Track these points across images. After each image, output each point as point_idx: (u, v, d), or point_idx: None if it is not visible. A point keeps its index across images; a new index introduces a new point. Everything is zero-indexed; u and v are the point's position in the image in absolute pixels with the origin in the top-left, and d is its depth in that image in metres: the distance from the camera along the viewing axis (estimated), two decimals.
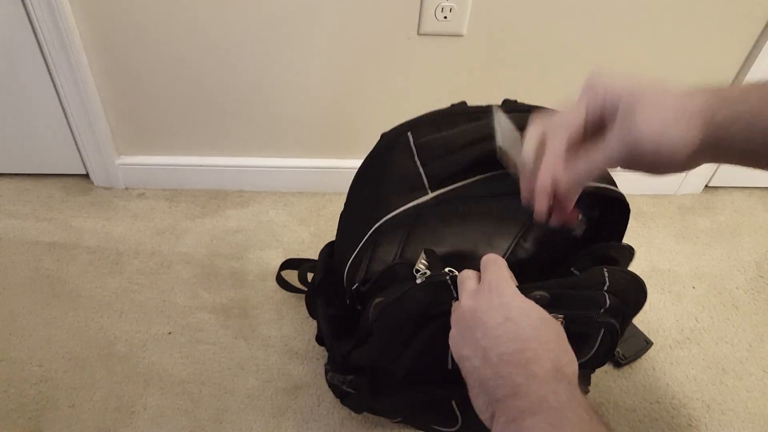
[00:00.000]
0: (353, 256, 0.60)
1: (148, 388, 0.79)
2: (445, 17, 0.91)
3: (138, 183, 1.14)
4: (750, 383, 0.85)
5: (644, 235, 1.10)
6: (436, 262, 0.55)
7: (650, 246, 1.07)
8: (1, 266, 0.95)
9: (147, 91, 1.00)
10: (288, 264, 0.96)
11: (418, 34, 0.94)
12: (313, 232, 1.06)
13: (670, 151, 0.40)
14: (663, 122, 0.39)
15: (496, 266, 0.48)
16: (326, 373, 0.72)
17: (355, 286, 0.62)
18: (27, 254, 0.98)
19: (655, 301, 0.97)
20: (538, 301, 0.47)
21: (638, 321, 0.92)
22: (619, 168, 0.44)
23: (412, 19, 0.92)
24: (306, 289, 0.91)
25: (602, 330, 0.56)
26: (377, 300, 0.58)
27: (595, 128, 0.44)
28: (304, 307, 0.84)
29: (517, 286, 0.47)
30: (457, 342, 0.46)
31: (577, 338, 0.46)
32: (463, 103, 0.62)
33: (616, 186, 0.60)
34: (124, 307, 0.90)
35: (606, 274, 0.55)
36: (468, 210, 0.62)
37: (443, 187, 0.56)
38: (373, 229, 0.57)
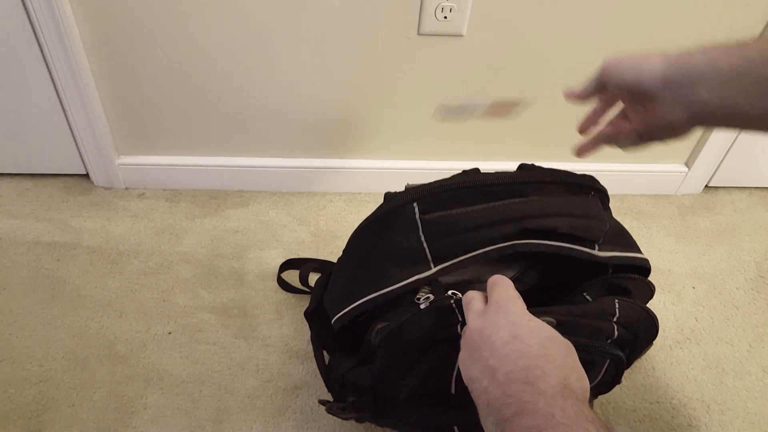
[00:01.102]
0: (341, 313, 0.59)
1: (148, 388, 0.79)
2: (445, 17, 0.91)
3: (138, 183, 1.14)
4: (750, 383, 0.85)
5: (644, 235, 1.10)
6: (438, 286, 0.54)
7: (650, 246, 1.07)
8: (1, 266, 0.95)
9: (147, 91, 1.00)
10: (288, 264, 0.96)
11: (418, 34, 0.94)
12: (313, 232, 1.06)
13: (637, 71, 0.52)
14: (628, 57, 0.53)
15: (502, 286, 0.47)
16: (326, 408, 0.69)
17: (338, 326, 0.62)
18: (27, 254, 0.98)
19: (655, 301, 0.96)
20: None
21: None
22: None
23: (412, 19, 0.92)
24: (306, 290, 0.92)
25: (608, 360, 0.55)
26: (379, 326, 0.57)
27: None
28: (304, 307, 0.84)
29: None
30: (466, 364, 0.45)
31: (581, 365, 0.45)
32: (476, 171, 0.60)
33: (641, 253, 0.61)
34: (124, 307, 0.90)
35: (617, 305, 0.54)
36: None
37: (447, 261, 0.54)
38: (366, 299, 0.56)
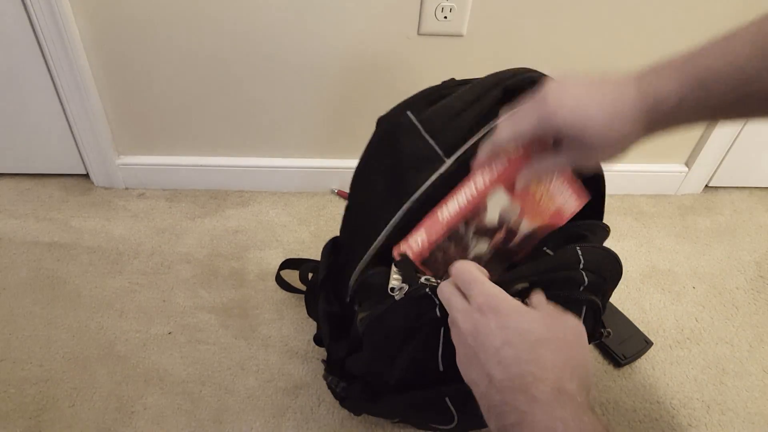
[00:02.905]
0: (378, 245, 0.58)
1: (148, 388, 0.79)
2: (445, 17, 0.91)
3: (138, 183, 1.14)
4: (750, 383, 0.85)
5: (644, 235, 1.10)
6: (410, 272, 0.54)
7: (650, 246, 1.07)
8: (1, 266, 0.95)
9: (147, 91, 1.00)
10: (288, 264, 0.96)
11: (418, 34, 0.94)
12: (313, 232, 1.06)
13: (585, 118, 0.43)
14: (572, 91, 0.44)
15: (476, 282, 0.46)
16: (325, 375, 0.72)
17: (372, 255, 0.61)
18: (27, 254, 0.98)
19: (655, 301, 0.97)
20: (520, 294, 0.46)
21: (638, 321, 0.92)
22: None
23: (412, 19, 0.92)
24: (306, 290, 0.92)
25: (584, 308, 0.56)
26: (361, 315, 0.58)
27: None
28: (304, 307, 0.84)
29: (497, 281, 0.46)
30: (464, 365, 0.45)
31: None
32: (452, 80, 0.63)
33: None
34: (124, 307, 0.90)
35: (579, 252, 0.54)
36: None
37: (458, 149, 0.56)
38: (404, 210, 0.56)
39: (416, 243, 0.55)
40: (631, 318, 0.92)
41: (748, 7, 0.95)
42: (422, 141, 0.57)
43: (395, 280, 0.54)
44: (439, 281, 0.52)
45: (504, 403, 0.40)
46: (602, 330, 0.61)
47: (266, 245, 1.02)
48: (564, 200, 0.59)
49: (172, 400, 0.78)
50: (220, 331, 0.87)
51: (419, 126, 0.58)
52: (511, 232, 0.59)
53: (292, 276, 0.95)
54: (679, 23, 0.96)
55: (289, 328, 0.88)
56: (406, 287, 0.53)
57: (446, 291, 0.48)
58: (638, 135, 0.44)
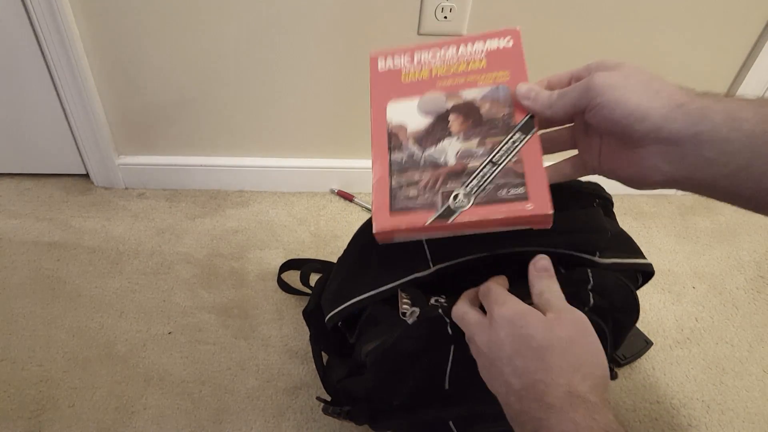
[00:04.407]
0: (334, 311, 0.60)
1: (148, 388, 0.79)
2: (445, 17, 0.91)
3: (138, 183, 1.14)
4: (750, 383, 0.85)
5: (644, 235, 1.10)
6: (418, 296, 0.54)
7: (650, 246, 1.07)
8: (1, 266, 0.95)
9: (147, 91, 1.00)
10: (288, 265, 0.96)
11: (418, 34, 0.94)
12: (313, 232, 1.06)
13: (629, 110, 0.40)
14: (625, 84, 0.41)
15: (490, 292, 0.47)
16: (324, 409, 0.71)
17: (331, 325, 0.63)
18: (27, 254, 0.98)
19: (655, 301, 0.97)
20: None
21: (638, 321, 0.92)
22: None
23: (412, 19, 0.92)
24: (306, 290, 0.92)
25: None
26: (369, 347, 0.57)
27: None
28: (304, 307, 0.84)
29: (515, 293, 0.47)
30: (486, 377, 0.46)
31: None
32: None
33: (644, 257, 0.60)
34: (124, 307, 0.90)
35: (590, 273, 0.54)
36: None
37: (446, 261, 0.55)
38: (361, 297, 0.57)
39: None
40: None
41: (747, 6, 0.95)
42: (416, 241, 0.56)
43: (405, 304, 0.54)
44: (448, 302, 0.52)
45: (522, 412, 0.41)
46: (611, 365, 0.61)
47: (266, 245, 1.02)
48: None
49: (172, 400, 0.78)
50: (220, 331, 0.87)
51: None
52: (464, 106, 0.51)
53: (292, 276, 0.95)
54: (679, 23, 0.96)
55: (289, 328, 0.88)
56: (417, 310, 0.53)
57: (460, 310, 0.48)
58: (666, 136, 0.40)
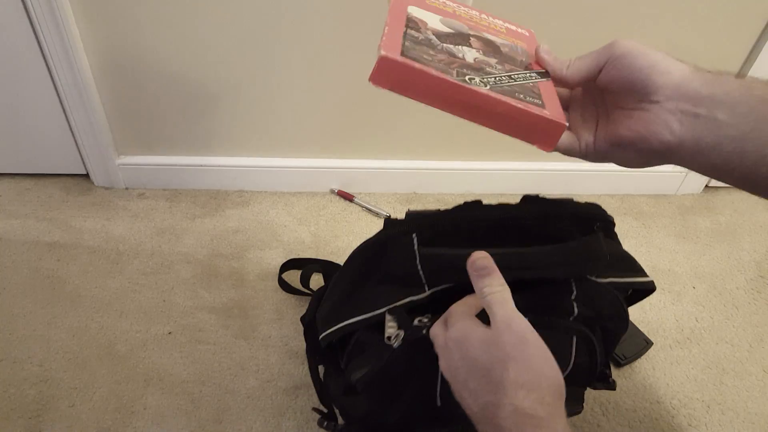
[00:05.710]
0: (327, 332, 0.60)
1: (148, 388, 0.79)
2: None
3: (138, 183, 1.14)
4: (750, 383, 0.85)
5: (644, 235, 1.10)
6: (404, 318, 0.54)
7: (650, 246, 1.07)
8: (1, 266, 0.95)
9: (147, 91, 1.00)
10: (289, 264, 0.96)
11: None
12: (313, 232, 1.06)
13: (647, 65, 0.41)
14: (642, 48, 0.42)
15: (452, 315, 0.47)
16: (320, 422, 0.72)
17: (325, 344, 0.63)
18: (27, 254, 0.98)
19: (655, 301, 0.97)
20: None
21: (638, 321, 0.92)
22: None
23: None
24: (306, 291, 0.92)
25: (574, 338, 0.55)
26: (358, 375, 0.58)
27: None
28: (304, 307, 0.84)
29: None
30: (456, 396, 0.46)
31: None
32: (478, 204, 0.59)
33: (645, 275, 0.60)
34: (124, 307, 0.90)
35: (573, 284, 0.54)
36: None
37: (441, 284, 0.55)
38: (355, 319, 0.57)
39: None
40: (631, 318, 0.92)
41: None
42: (413, 267, 0.55)
43: (390, 328, 0.54)
44: (431, 321, 0.52)
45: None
46: (606, 371, 0.60)
47: (266, 245, 1.02)
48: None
49: (172, 400, 0.78)
50: (220, 331, 0.87)
51: (417, 256, 0.55)
52: (485, 40, 0.52)
53: (292, 276, 0.95)
54: (680, 21, 0.96)
55: (289, 328, 0.88)
56: (402, 333, 0.54)
57: (432, 332, 0.48)
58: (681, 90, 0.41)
